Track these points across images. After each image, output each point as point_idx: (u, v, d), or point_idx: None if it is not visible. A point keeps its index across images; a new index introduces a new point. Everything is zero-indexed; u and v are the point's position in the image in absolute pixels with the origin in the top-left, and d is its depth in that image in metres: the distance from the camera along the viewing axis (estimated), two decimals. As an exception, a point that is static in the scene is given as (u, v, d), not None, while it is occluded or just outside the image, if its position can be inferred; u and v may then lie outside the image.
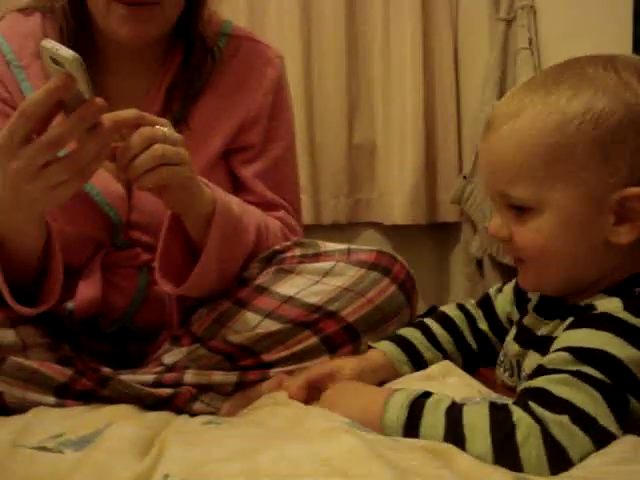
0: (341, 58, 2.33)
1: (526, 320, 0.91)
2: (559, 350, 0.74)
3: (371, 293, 1.08)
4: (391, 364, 1.01)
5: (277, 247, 1.15)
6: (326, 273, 1.09)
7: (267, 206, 1.26)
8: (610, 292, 0.80)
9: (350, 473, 0.63)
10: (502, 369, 0.96)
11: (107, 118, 0.90)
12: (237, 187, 1.27)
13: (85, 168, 0.90)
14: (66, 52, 0.82)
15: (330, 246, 1.14)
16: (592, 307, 0.78)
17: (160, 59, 1.23)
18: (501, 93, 2.06)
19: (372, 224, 2.47)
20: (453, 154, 2.41)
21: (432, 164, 2.40)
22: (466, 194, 2.18)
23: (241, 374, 1.06)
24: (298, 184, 1.37)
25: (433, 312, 2.53)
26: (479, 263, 2.19)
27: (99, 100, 0.87)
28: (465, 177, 2.18)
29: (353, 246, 1.14)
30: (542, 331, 0.86)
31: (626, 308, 0.75)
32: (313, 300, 1.07)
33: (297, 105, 1.98)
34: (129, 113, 0.94)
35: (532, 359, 0.85)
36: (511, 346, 0.92)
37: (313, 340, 1.06)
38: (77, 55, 0.82)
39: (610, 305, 0.76)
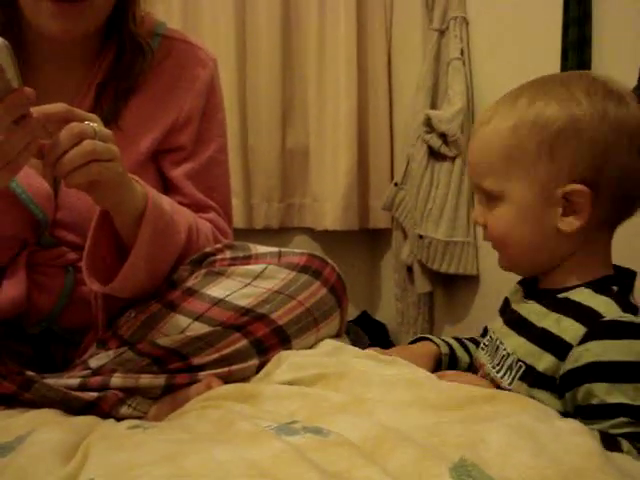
0: (275, 64, 2.34)
1: (513, 303, 1.02)
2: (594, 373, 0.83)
3: (302, 296, 1.08)
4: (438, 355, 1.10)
5: (208, 249, 1.14)
6: (257, 276, 1.08)
7: (197, 208, 1.25)
8: (588, 286, 0.91)
9: (279, 476, 0.62)
10: (483, 352, 1.03)
11: (35, 111, 0.88)
12: (167, 188, 1.26)
13: (12, 161, 0.87)
14: None
15: (261, 249, 1.14)
16: (587, 307, 0.87)
17: (91, 57, 1.21)
18: (433, 102, 2.09)
19: (304, 229, 2.48)
20: (385, 161, 2.43)
21: (364, 170, 2.42)
22: (397, 201, 2.21)
23: (169, 377, 1.05)
24: (229, 186, 1.36)
25: (364, 317, 2.57)
26: (409, 269, 2.22)
27: (28, 90, 0.84)
28: (396, 184, 2.21)
29: (284, 249, 1.14)
30: (521, 311, 0.97)
31: (625, 309, 0.86)
32: (243, 303, 1.06)
33: (230, 109, 1.97)
34: (58, 107, 0.92)
35: (512, 338, 0.95)
36: (499, 327, 1.01)
37: (243, 343, 1.05)
38: (5, 41, 0.79)
39: (607, 308, 0.86)
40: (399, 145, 2.39)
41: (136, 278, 1.06)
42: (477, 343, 1.13)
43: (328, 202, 2.37)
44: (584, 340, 0.84)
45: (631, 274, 0.95)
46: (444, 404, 0.82)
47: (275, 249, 1.14)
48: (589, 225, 0.90)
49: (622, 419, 0.81)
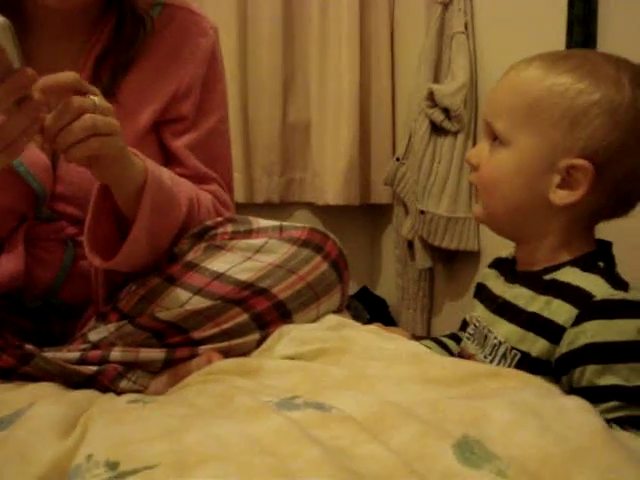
0: (276, 37, 2.31)
1: (495, 288, 1.00)
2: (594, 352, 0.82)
3: (303, 270, 1.07)
4: None
5: (208, 223, 1.13)
6: (257, 250, 1.07)
7: (199, 179, 1.24)
8: (574, 264, 0.89)
9: (280, 452, 0.62)
10: (470, 341, 1.01)
11: (44, 82, 0.86)
12: (168, 159, 1.24)
13: (13, 143, 0.85)
14: None
15: (262, 223, 1.13)
16: (576, 288, 0.86)
17: (89, 27, 1.19)
18: (436, 76, 2.07)
19: (305, 204, 2.47)
20: (387, 136, 2.42)
21: (366, 145, 2.40)
22: (399, 176, 2.19)
23: (169, 351, 1.04)
24: (230, 158, 1.34)
25: (364, 293, 2.57)
26: (410, 245, 2.21)
27: (30, 71, 0.82)
28: (398, 159, 2.19)
29: (285, 223, 1.13)
30: (506, 296, 0.95)
31: (615, 287, 0.85)
32: (244, 277, 1.05)
33: (231, 82, 1.94)
34: (69, 77, 0.88)
35: (501, 325, 0.93)
36: (483, 314, 0.99)
37: (243, 317, 1.04)
38: (7, 20, 0.77)
39: (597, 286, 0.85)
40: (401, 120, 2.38)
41: (138, 252, 1.06)
42: (457, 338, 1.12)
43: (329, 177, 2.36)
44: (577, 322, 0.83)
45: (607, 244, 0.94)
46: (447, 379, 0.82)
47: (276, 223, 1.12)
48: (578, 208, 0.89)
49: (614, 403, 0.81)
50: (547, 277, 0.91)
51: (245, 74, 2.31)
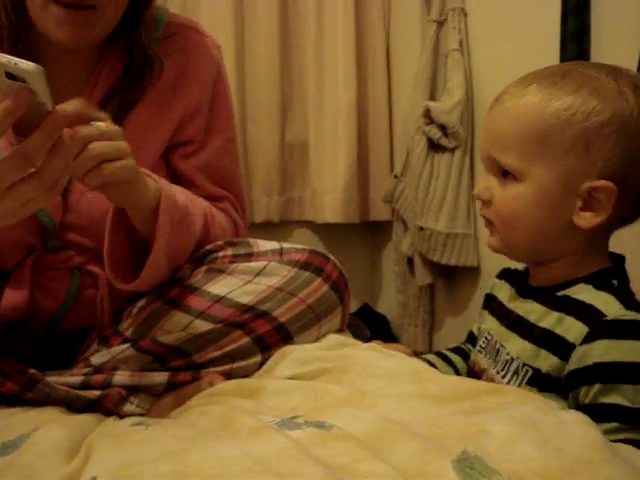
0: (274, 57, 2.33)
1: (506, 301, 1.00)
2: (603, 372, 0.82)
3: (303, 293, 1.08)
4: None
5: (209, 247, 1.14)
6: (258, 273, 1.08)
7: (211, 199, 1.24)
8: (588, 282, 0.89)
9: (282, 472, 0.62)
10: (482, 355, 1.00)
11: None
12: (178, 182, 1.24)
13: (57, 182, 0.86)
14: (27, 65, 0.76)
15: (263, 245, 1.13)
16: (589, 306, 0.85)
17: (94, 60, 1.18)
18: (432, 93, 2.09)
19: (304, 222, 2.47)
20: (384, 153, 2.43)
21: (364, 163, 2.41)
22: (397, 193, 2.21)
23: (172, 375, 1.05)
24: (240, 176, 1.34)
25: (365, 310, 2.56)
26: (410, 261, 2.22)
27: (61, 110, 0.83)
28: (396, 176, 2.21)
29: (286, 245, 1.14)
30: (519, 311, 0.95)
31: (628, 307, 0.84)
32: (245, 300, 1.06)
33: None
34: (76, 105, 0.88)
35: (514, 341, 0.93)
36: (495, 328, 0.99)
37: (245, 340, 1.05)
38: (40, 67, 0.77)
39: (609, 306, 0.84)
40: (398, 137, 2.39)
41: (158, 272, 1.07)
42: (462, 351, 1.12)
43: (328, 195, 2.37)
44: (587, 340, 0.83)
45: (620, 258, 0.94)
46: (447, 396, 0.82)
47: (277, 245, 1.13)
48: (602, 226, 0.88)
49: (615, 424, 0.81)
50: (560, 293, 0.90)
51: (243, 96, 2.33)
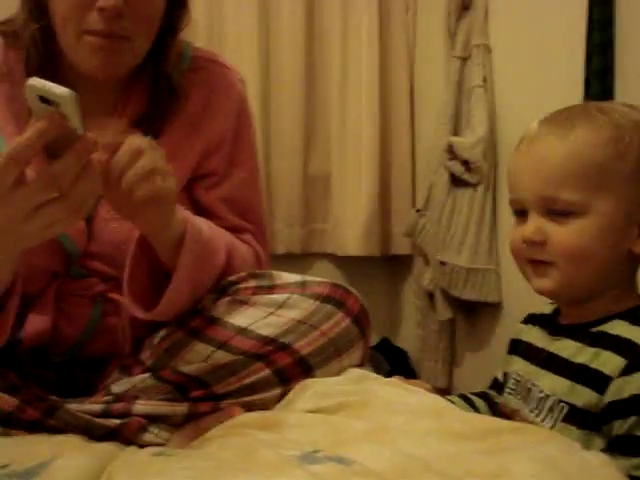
0: (298, 90, 2.35)
1: (537, 342, 1.00)
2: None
3: (325, 326, 1.08)
4: None
5: (232, 278, 1.14)
6: (280, 305, 1.08)
7: (233, 231, 1.25)
8: (623, 318, 0.90)
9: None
10: (512, 396, 1.00)
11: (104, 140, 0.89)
12: (201, 214, 1.26)
13: (84, 204, 0.88)
14: (60, 90, 0.80)
15: (285, 278, 1.14)
16: (626, 340, 0.86)
17: (120, 91, 1.20)
18: (455, 129, 2.10)
19: (325, 255, 2.48)
20: (407, 187, 2.44)
21: (386, 196, 2.42)
22: (419, 227, 2.21)
23: (192, 405, 1.05)
24: (262, 208, 1.35)
25: (385, 344, 2.56)
26: (430, 296, 2.21)
27: (91, 135, 0.85)
28: (418, 210, 2.21)
29: (308, 278, 1.14)
30: (551, 349, 0.95)
31: None
32: (266, 332, 1.06)
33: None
34: (110, 133, 0.92)
35: (547, 378, 0.93)
36: (525, 368, 0.99)
37: (266, 372, 1.05)
38: (73, 92, 0.80)
39: None
40: (421, 171, 2.40)
41: (179, 302, 1.07)
42: (485, 395, 1.11)
43: (350, 228, 2.37)
44: (625, 372, 0.83)
45: None
46: (468, 434, 0.82)
47: (299, 278, 1.13)
48: None
49: None
50: (595, 330, 0.91)
51: (267, 128, 2.35)
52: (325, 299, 1.10)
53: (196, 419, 1.05)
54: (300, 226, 2.42)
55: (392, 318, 2.58)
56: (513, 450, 0.74)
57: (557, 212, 0.91)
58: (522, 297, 2.00)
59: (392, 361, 2.39)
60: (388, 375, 1.11)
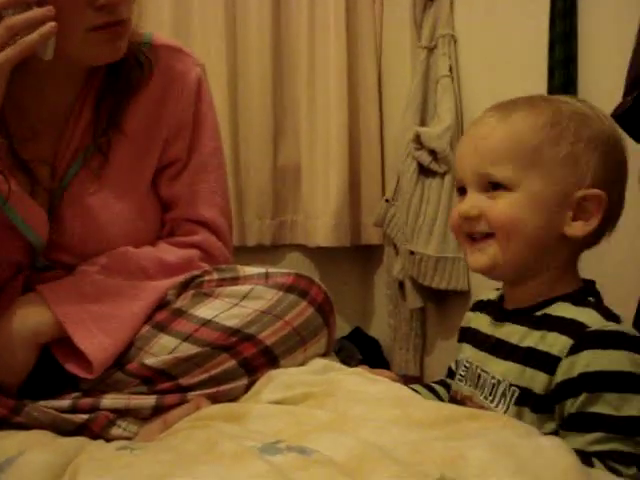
0: (267, 80, 2.36)
1: (483, 329, 1.01)
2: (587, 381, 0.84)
3: (289, 316, 1.09)
4: None
5: (195, 272, 1.15)
6: (244, 296, 1.09)
7: (185, 230, 1.26)
8: (565, 300, 0.92)
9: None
10: (462, 383, 1.02)
11: None
12: (163, 208, 1.27)
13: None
14: None
15: (248, 270, 1.15)
16: (570, 320, 0.89)
17: (87, 73, 1.19)
18: (422, 119, 2.11)
19: (296, 246, 2.49)
20: (376, 177, 2.45)
21: (355, 187, 2.43)
22: (388, 217, 2.22)
23: (159, 398, 1.05)
24: (227, 192, 1.34)
25: (357, 333, 2.56)
26: (401, 285, 2.23)
27: None
28: (388, 200, 2.22)
29: (271, 269, 1.15)
30: (498, 334, 0.97)
31: (608, 319, 0.88)
32: (231, 323, 1.07)
33: (222, 126, 1.96)
34: None
35: (497, 364, 0.95)
36: (474, 355, 1.00)
37: (231, 363, 1.06)
38: None
39: (590, 318, 0.88)
40: (390, 161, 2.41)
41: (114, 350, 1.07)
42: (445, 384, 1.12)
43: (320, 219, 2.38)
44: (572, 352, 0.85)
45: (591, 282, 0.97)
46: (429, 422, 0.83)
47: (262, 269, 1.15)
48: (586, 238, 0.93)
49: (600, 434, 0.82)
50: (539, 313, 0.93)
51: (236, 119, 2.35)
52: (288, 289, 1.11)
53: (163, 412, 1.06)
54: (270, 218, 2.42)
55: (364, 308, 2.60)
56: (472, 437, 0.75)
57: (491, 188, 0.94)
58: (491, 285, 2.03)
59: (364, 350, 2.41)
60: (361, 364, 1.12)
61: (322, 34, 2.36)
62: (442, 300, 2.19)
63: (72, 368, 1.06)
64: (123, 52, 1.13)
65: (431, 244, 2.06)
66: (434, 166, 2.05)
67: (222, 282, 1.12)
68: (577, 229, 0.91)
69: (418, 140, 2.05)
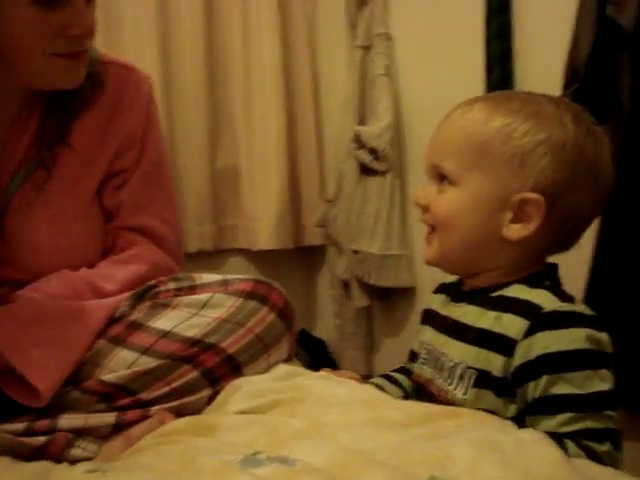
0: (201, 84, 2.31)
1: (441, 310, 1.01)
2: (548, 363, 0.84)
3: (250, 323, 1.07)
4: None
5: (151, 282, 1.13)
6: (203, 305, 1.07)
7: (126, 240, 1.23)
8: (521, 282, 0.92)
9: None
10: (425, 366, 1.00)
11: None
12: (107, 218, 1.24)
13: None
14: None
15: (205, 278, 1.13)
16: (525, 301, 0.89)
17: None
18: (360, 118, 2.11)
19: (238, 250, 2.45)
20: (315, 178, 2.43)
21: (296, 188, 2.41)
22: (330, 217, 2.22)
23: (119, 415, 1.02)
24: (173, 201, 1.34)
25: (303, 335, 2.55)
26: (346, 284, 2.23)
27: None
28: (329, 201, 2.22)
29: (229, 276, 1.13)
30: (454, 315, 0.97)
31: (562, 299, 0.88)
32: (191, 333, 1.05)
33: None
34: None
35: (454, 346, 0.94)
36: (434, 337, 1.00)
37: (194, 374, 1.04)
38: None
39: (545, 299, 0.88)
40: (329, 161, 2.40)
41: (61, 374, 1.03)
42: (406, 371, 1.12)
43: (261, 221, 2.35)
44: (529, 333, 0.85)
45: (554, 266, 0.97)
46: (405, 422, 0.83)
47: (220, 277, 1.13)
48: (529, 242, 0.91)
49: (569, 414, 0.82)
50: (494, 294, 0.93)
51: (171, 124, 2.30)
52: (248, 295, 1.09)
53: (124, 429, 1.02)
54: (211, 222, 2.38)
55: (308, 309, 2.58)
56: (452, 435, 0.75)
57: (441, 180, 0.95)
58: (436, 280, 2.05)
59: (311, 352, 2.40)
60: (309, 365, 1.10)
61: (256, 36, 2.33)
62: (388, 298, 2.20)
63: (20, 398, 1.01)
64: (82, 80, 1.14)
65: (375, 242, 2.06)
66: (375, 165, 2.05)
67: (179, 292, 1.10)
68: (514, 231, 0.91)
69: (358, 139, 2.06)
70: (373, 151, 2.04)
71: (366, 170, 2.09)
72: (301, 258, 2.54)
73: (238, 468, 0.69)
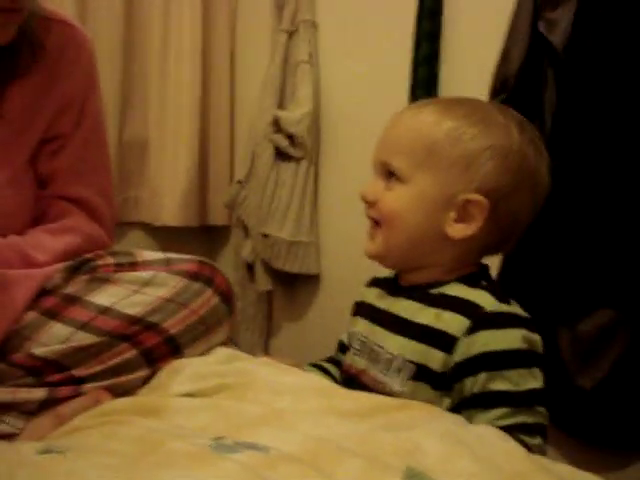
0: (116, 54, 2.21)
1: (377, 303, 1.03)
2: (489, 359, 0.88)
3: (195, 304, 1.05)
4: None
5: (87, 255, 1.09)
6: (146, 283, 1.05)
7: (59, 209, 1.19)
8: (459, 281, 0.96)
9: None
10: (358, 357, 1.02)
11: None
12: (40, 185, 1.18)
13: None
14: None
15: (147, 255, 1.10)
16: (465, 300, 0.92)
17: None
18: (280, 102, 2.10)
19: (140, 224, 2.39)
20: (225, 158, 2.40)
21: (204, 166, 2.37)
22: (240, 199, 2.20)
23: (51, 391, 0.98)
24: (109, 169, 1.31)
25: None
26: (249, 267, 2.22)
27: None
28: (240, 182, 2.20)
29: (171, 255, 1.11)
30: (393, 309, 0.99)
31: (501, 300, 0.92)
32: (133, 311, 1.02)
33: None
34: None
35: (392, 339, 0.96)
36: (368, 329, 1.01)
37: (132, 353, 1.01)
38: None
39: (485, 300, 0.92)
40: (240, 142, 2.38)
41: None
42: (335, 361, 1.14)
43: (167, 197, 2.30)
44: (470, 332, 0.89)
45: (485, 266, 1.02)
46: (358, 412, 0.84)
47: (162, 255, 1.10)
48: (470, 241, 0.95)
49: (504, 409, 0.87)
50: (434, 291, 0.96)
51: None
52: (193, 276, 1.07)
53: (53, 405, 0.99)
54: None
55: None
56: (414, 426, 0.77)
57: (389, 177, 0.98)
58: (340, 269, 2.08)
59: (207, 332, 2.37)
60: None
61: (177, 7, 2.27)
62: (291, 283, 2.21)
63: None
64: (10, 39, 1.08)
65: (285, 228, 2.06)
66: (291, 151, 2.05)
67: (120, 267, 1.06)
68: (457, 231, 0.94)
69: (276, 123, 2.05)
70: (290, 137, 2.04)
71: (281, 155, 2.08)
72: (204, 237, 2.50)
73: (213, 454, 0.68)
